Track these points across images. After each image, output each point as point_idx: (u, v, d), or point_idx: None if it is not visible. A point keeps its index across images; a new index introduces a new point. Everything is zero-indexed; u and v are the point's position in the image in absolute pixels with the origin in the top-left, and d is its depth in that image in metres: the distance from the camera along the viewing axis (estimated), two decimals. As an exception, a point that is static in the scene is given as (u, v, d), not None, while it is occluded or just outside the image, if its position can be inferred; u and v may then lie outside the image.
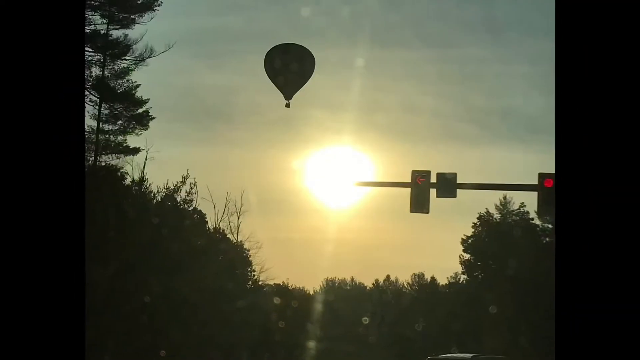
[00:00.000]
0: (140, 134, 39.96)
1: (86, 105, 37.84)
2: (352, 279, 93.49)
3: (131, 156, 39.39)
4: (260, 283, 49.49)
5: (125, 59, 39.34)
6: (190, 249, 38.33)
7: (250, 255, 48.25)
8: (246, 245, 47.82)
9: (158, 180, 49.24)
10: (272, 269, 51.88)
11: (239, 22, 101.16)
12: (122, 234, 33.09)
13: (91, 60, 38.38)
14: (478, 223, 60.82)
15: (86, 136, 37.24)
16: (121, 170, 38.75)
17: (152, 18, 39.20)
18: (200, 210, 43.89)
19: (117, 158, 39.52)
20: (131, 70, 39.48)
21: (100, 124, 39.12)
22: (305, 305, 56.27)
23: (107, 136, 39.65)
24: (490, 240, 58.96)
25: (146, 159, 38.88)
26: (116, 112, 39.69)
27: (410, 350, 55.51)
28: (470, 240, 60.87)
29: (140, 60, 39.18)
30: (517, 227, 57.65)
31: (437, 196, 22.41)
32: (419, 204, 22.21)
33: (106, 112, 39.49)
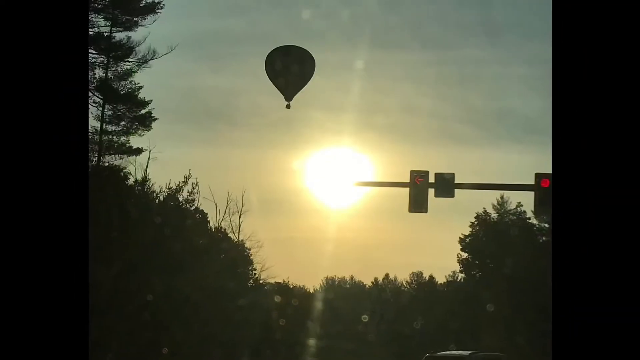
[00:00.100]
0: (143, 134, 39.92)
1: (89, 106, 37.50)
2: (352, 278, 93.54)
3: (134, 156, 39.43)
4: (261, 282, 49.51)
5: (128, 61, 39.25)
6: (192, 248, 38.52)
7: (251, 254, 48.28)
8: (247, 245, 47.93)
9: (160, 180, 49.43)
10: (272, 268, 51.78)
11: (241, 25, 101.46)
12: (125, 234, 33.17)
13: (94, 62, 38.36)
14: (476, 222, 61.07)
15: (89, 137, 36.92)
16: (124, 171, 38.86)
17: (154, 21, 39.25)
18: (202, 210, 44.12)
19: (120, 158, 39.50)
20: (134, 72, 39.36)
21: (104, 124, 39.05)
22: (305, 303, 56.15)
23: (110, 137, 39.54)
24: (487, 239, 59.15)
25: (149, 160, 38.99)
26: (119, 113, 39.56)
27: (408, 347, 55.58)
28: (468, 240, 61.10)
29: (143, 62, 39.09)
30: (514, 227, 57.90)
31: (436, 196, 22.48)
32: (418, 204, 22.31)
33: (109, 113, 39.43)
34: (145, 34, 39.49)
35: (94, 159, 37.69)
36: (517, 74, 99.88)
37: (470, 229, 61.33)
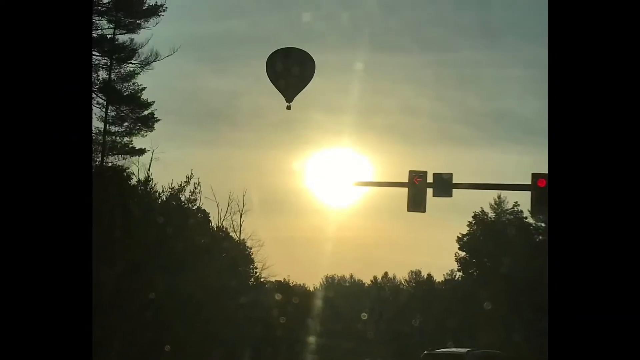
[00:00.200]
0: (146, 135, 40.09)
1: (93, 107, 37.73)
2: (351, 276, 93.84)
3: (137, 157, 39.62)
4: (262, 280, 49.65)
5: (131, 63, 39.42)
6: (194, 248, 38.70)
7: (252, 253, 48.48)
8: (248, 244, 48.15)
9: (163, 180, 49.98)
10: (273, 267, 51.93)
11: (242, 27, 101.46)
12: (128, 234, 33.24)
13: (98, 64, 38.53)
14: (473, 222, 61.10)
15: (93, 137, 37.00)
16: (127, 171, 39.03)
17: (157, 23, 39.41)
18: (204, 210, 44.40)
19: (123, 159, 39.66)
20: (137, 73, 39.54)
21: (107, 125, 39.21)
22: (305, 301, 56.24)
23: (113, 137, 39.70)
24: (485, 238, 59.10)
25: (151, 160, 39.26)
26: (122, 114, 39.71)
27: (407, 345, 55.79)
28: (465, 239, 61.14)
29: (145, 64, 39.28)
30: (511, 226, 57.80)
31: (434, 196, 22.63)
32: (416, 204, 22.46)
33: (113, 114, 39.54)
34: (148, 36, 39.84)
35: (98, 160, 37.89)
36: (514, 75, 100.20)
37: (468, 228, 61.37)
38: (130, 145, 40.09)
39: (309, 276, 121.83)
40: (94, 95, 38.23)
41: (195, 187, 41.03)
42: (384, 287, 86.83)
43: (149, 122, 40.11)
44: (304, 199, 77.15)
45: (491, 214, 61.30)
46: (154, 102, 40.31)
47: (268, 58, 25.52)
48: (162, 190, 40.55)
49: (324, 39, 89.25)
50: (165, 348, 33.34)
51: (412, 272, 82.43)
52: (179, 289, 34.80)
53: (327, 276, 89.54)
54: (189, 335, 35.54)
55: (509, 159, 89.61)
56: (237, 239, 47.67)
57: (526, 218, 57.75)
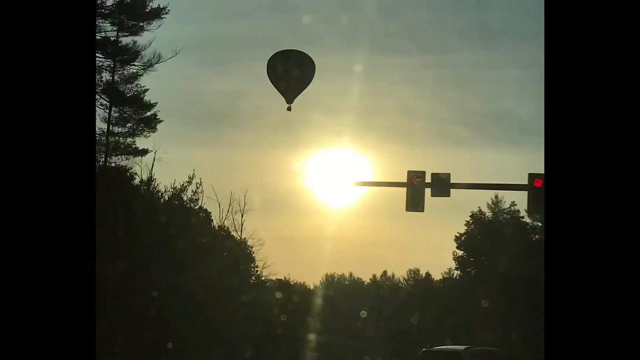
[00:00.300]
0: (149, 136, 40.44)
1: (97, 108, 38.07)
2: (351, 275, 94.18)
3: (140, 157, 39.90)
4: (263, 279, 49.72)
5: (134, 65, 39.77)
6: (196, 247, 38.81)
7: (253, 252, 48.66)
8: (249, 243, 48.34)
9: (165, 180, 50.05)
10: (274, 265, 52.03)
11: (243, 30, 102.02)
12: (131, 234, 33.36)
13: (102, 65, 38.89)
14: (471, 221, 61.23)
15: (97, 138, 37.36)
16: (130, 171, 39.28)
17: (160, 25, 39.80)
18: (206, 209, 44.58)
19: (127, 159, 39.95)
20: (140, 75, 39.89)
21: (110, 126, 39.52)
22: (305, 299, 56.27)
23: (116, 138, 40.00)
24: (482, 237, 59.26)
25: (154, 160, 39.51)
26: (125, 115, 40.03)
27: (405, 342, 56.03)
28: (463, 238, 61.27)
29: (148, 65, 39.65)
30: (508, 225, 57.94)
31: (432, 195, 22.74)
32: (415, 203, 22.59)
33: (116, 115, 39.90)
34: (151, 38, 40.16)
35: (101, 160, 38.18)
36: (511, 77, 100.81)
37: (466, 228, 61.48)
38: (133, 146, 40.44)
39: (309, 275, 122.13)
40: (97, 97, 38.49)
41: (197, 187, 41.16)
42: (383, 286, 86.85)
43: (151, 123, 40.45)
44: (305, 199, 77.60)
45: (488, 214, 61.49)
46: (156, 103, 40.76)
47: (269, 60, 25.73)
48: (165, 190, 40.76)
49: (324, 41, 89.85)
50: (168, 345, 33.48)
51: (410, 270, 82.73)
52: (180, 287, 34.91)
53: (327, 275, 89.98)
54: (190, 333, 35.70)
55: (507, 159, 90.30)
56: (238, 238, 47.92)
57: (523, 218, 58.04)
